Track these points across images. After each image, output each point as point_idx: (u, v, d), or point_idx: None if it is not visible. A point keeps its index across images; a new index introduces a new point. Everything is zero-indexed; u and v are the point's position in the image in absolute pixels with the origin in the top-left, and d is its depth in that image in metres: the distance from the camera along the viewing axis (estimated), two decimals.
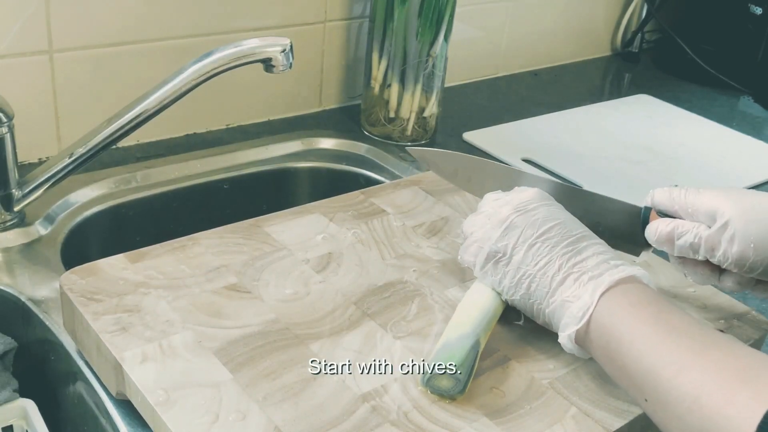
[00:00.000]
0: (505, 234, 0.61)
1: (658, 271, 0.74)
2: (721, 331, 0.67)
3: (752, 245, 0.60)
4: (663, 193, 0.65)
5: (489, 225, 0.62)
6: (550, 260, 0.59)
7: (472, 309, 0.61)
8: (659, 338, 0.52)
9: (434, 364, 0.56)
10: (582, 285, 0.57)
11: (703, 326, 0.53)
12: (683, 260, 0.64)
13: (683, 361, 0.50)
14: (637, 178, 1.02)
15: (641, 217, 0.66)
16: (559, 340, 0.58)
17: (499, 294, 0.62)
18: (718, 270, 0.63)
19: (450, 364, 0.56)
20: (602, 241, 0.61)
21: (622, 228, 0.65)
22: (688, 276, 0.65)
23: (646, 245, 0.66)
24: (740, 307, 0.71)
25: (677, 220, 0.64)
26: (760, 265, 0.61)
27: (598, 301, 0.56)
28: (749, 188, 1.03)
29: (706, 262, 0.63)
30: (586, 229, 0.62)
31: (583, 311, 0.56)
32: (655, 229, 0.64)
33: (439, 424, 0.54)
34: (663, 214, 0.65)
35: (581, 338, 0.57)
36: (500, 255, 0.61)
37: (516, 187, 0.66)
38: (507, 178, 0.70)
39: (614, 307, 0.55)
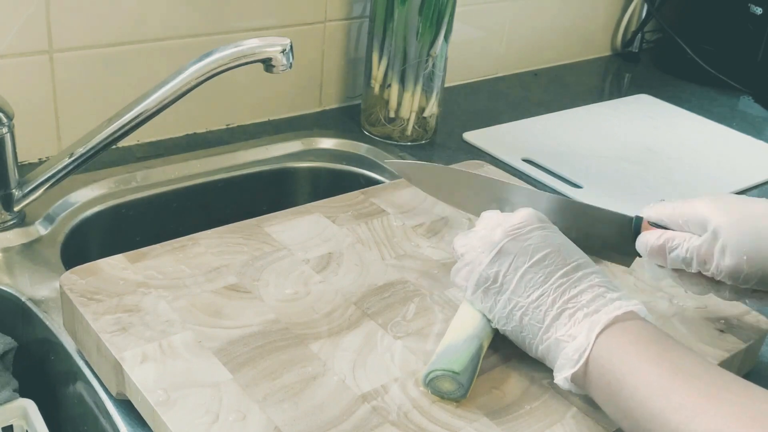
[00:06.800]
0: (495, 260, 0.58)
1: None
2: (721, 331, 0.67)
3: (745, 257, 0.59)
4: (651, 209, 0.64)
5: (480, 248, 0.59)
6: (544, 293, 0.56)
7: (476, 312, 0.61)
8: (666, 381, 0.49)
9: (432, 369, 0.56)
10: (577, 323, 0.54)
11: (709, 365, 0.51)
12: (679, 272, 0.64)
13: (694, 406, 0.47)
14: (637, 178, 1.02)
15: (632, 227, 0.65)
16: (555, 381, 0.55)
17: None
18: (714, 280, 0.62)
19: (449, 365, 0.55)
20: (599, 269, 0.58)
21: (613, 238, 0.62)
22: (685, 288, 0.64)
23: (638, 255, 0.65)
24: (740, 307, 0.70)
25: (668, 232, 0.62)
26: (754, 277, 0.60)
27: (594, 342, 0.53)
28: (750, 189, 1.03)
29: (702, 274, 0.62)
30: (583, 255, 0.59)
31: (579, 353, 0.53)
32: (646, 242, 0.63)
33: (439, 424, 0.54)
34: (655, 225, 0.64)
35: (579, 379, 0.54)
36: (490, 282, 0.58)
37: (518, 208, 0.63)
38: (490, 190, 0.68)
39: (613, 347, 0.53)
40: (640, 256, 0.65)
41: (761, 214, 0.60)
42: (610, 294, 0.56)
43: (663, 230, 0.63)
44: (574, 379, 0.54)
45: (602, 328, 0.53)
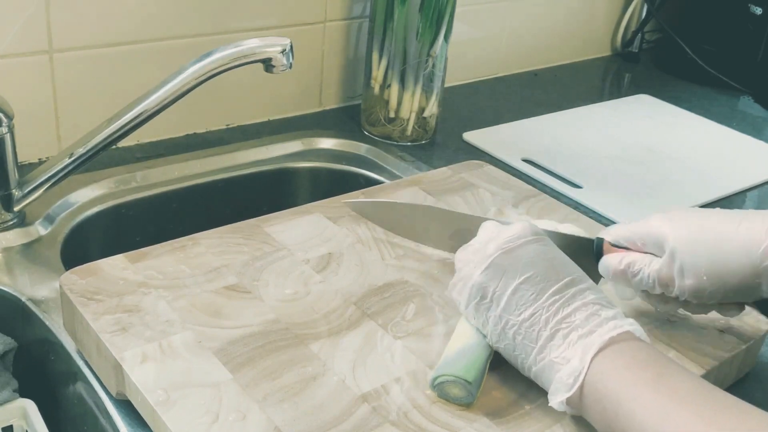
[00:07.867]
0: (486, 274, 0.57)
1: None
2: (721, 331, 0.67)
3: (705, 277, 0.58)
4: (609, 231, 0.64)
5: (473, 262, 0.58)
6: (536, 311, 0.54)
7: None
8: (663, 406, 0.48)
9: (444, 373, 0.55)
10: (571, 345, 0.53)
11: (706, 386, 0.50)
12: (645, 293, 0.63)
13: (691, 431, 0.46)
14: (637, 178, 1.02)
15: (594, 249, 0.64)
16: (549, 404, 0.54)
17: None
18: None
19: (463, 373, 0.55)
20: (592, 284, 0.57)
21: (578, 262, 0.60)
22: (654, 307, 0.64)
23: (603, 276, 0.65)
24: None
25: (629, 256, 0.62)
26: (717, 293, 0.59)
27: (589, 365, 0.52)
28: (750, 189, 1.03)
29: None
30: (577, 268, 0.57)
31: (573, 377, 0.52)
32: (608, 266, 0.63)
33: (439, 424, 0.54)
34: (616, 246, 0.63)
35: (575, 403, 0.53)
36: (480, 298, 0.57)
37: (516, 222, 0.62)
38: (450, 222, 0.68)
39: (609, 370, 0.51)
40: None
41: (716, 228, 0.59)
42: (605, 312, 0.54)
43: (624, 252, 0.63)
44: (569, 402, 0.53)
45: (597, 351, 0.52)
